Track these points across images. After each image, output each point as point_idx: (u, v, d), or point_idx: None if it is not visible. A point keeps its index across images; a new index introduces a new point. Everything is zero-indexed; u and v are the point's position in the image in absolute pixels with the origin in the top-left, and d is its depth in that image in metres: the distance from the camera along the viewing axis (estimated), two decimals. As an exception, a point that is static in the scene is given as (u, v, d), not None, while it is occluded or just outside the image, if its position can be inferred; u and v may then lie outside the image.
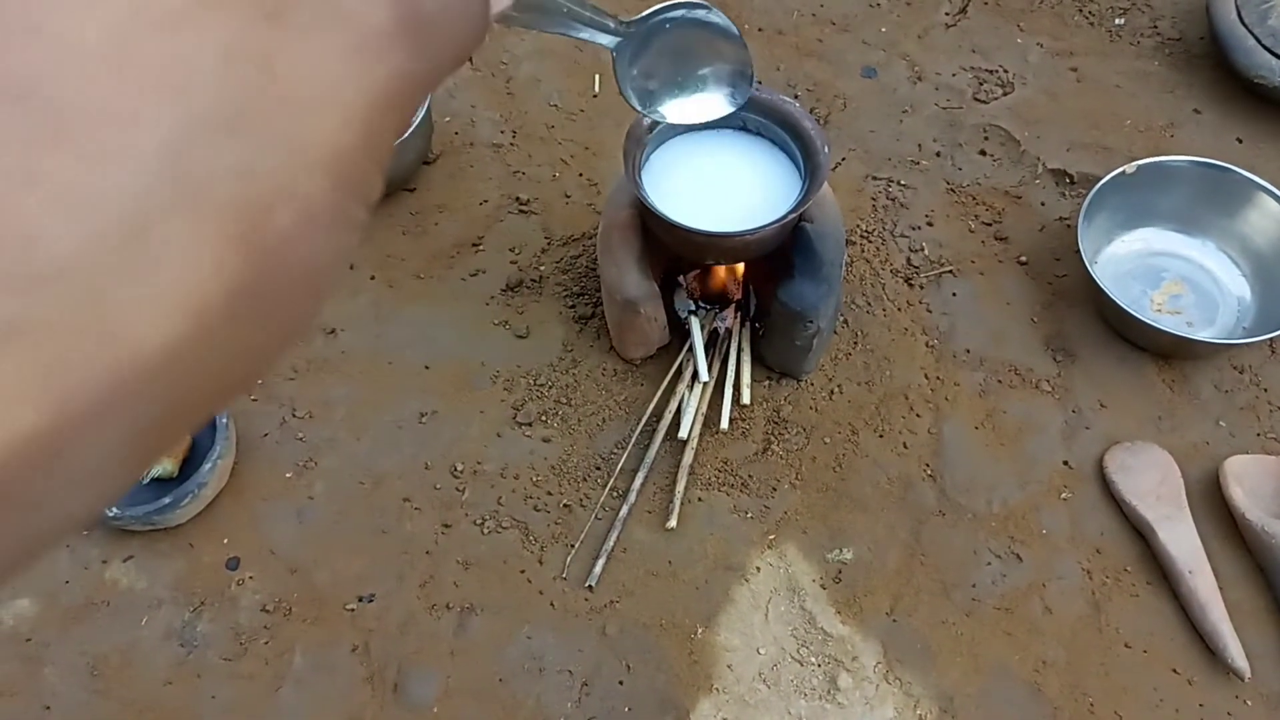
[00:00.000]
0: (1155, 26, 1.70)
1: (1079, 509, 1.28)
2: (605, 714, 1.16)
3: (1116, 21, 1.70)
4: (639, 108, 0.74)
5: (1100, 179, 1.39)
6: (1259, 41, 1.51)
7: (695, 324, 1.32)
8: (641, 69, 0.73)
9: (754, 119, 1.25)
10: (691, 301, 1.37)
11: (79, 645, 1.20)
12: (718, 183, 1.24)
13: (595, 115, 1.61)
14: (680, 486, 1.26)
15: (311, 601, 1.22)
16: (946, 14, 1.72)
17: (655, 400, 1.32)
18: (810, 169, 1.20)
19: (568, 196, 1.52)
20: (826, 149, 1.19)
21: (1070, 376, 1.37)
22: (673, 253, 1.27)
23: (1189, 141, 1.56)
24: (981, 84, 1.63)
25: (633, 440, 1.30)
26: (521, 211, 1.50)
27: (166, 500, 1.21)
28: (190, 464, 1.27)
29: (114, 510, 1.20)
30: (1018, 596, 1.22)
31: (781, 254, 1.24)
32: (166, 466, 1.25)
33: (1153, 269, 1.43)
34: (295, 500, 1.28)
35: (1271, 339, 1.29)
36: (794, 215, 1.16)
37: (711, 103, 0.79)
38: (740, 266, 1.34)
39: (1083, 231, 1.35)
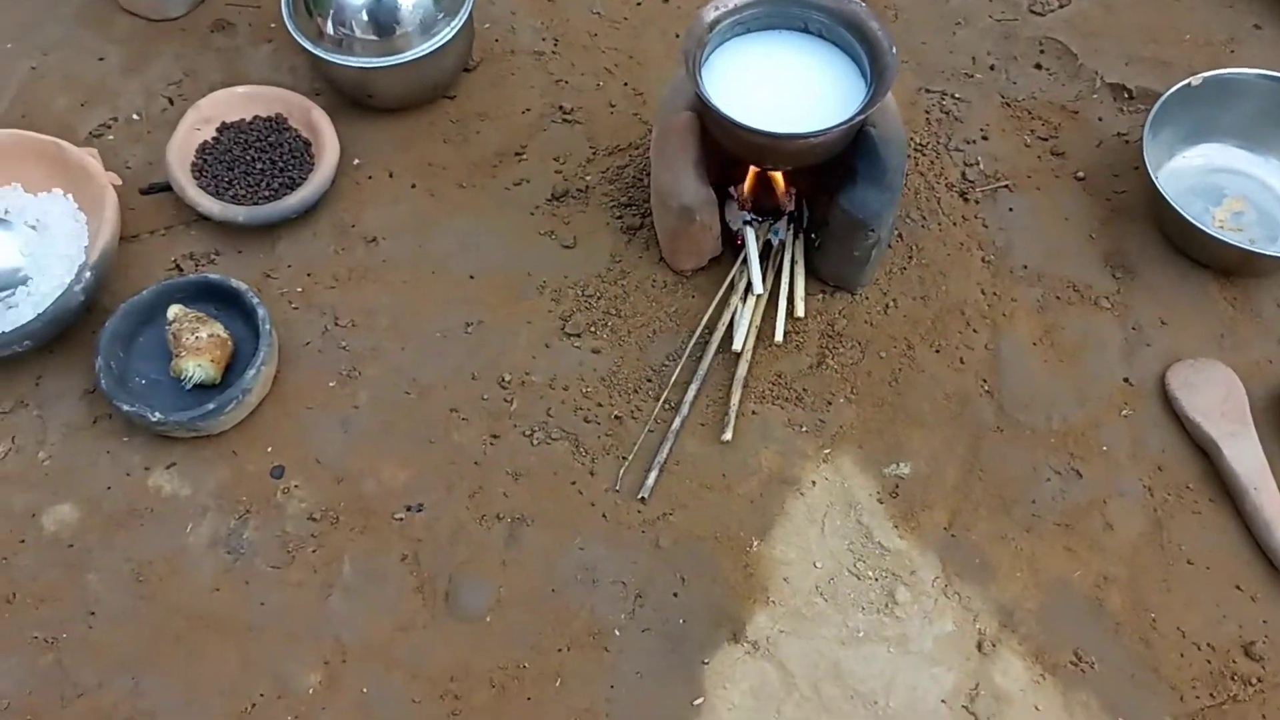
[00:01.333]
0: (1215, -60, 1.65)
1: (1140, 426, 1.25)
2: (659, 625, 1.14)
3: (1175, -66, 1.65)
4: None
5: (1159, 94, 1.36)
6: (1326, -47, 1.47)
7: (750, 234, 1.29)
8: None
9: (816, 20, 1.21)
10: (743, 213, 1.33)
11: (123, 552, 1.17)
12: (780, 84, 1.20)
13: (640, 23, 1.57)
14: (735, 399, 1.23)
15: (359, 511, 1.20)
16: (1000, -76, 1.67)
17: (709, 313, 1.29)
18: (876, 71, 1.16)
19: (612, 106, 1.48)
20: (894, 50, 1.15)
21: (1130, 293, 1.34)
22: (730, 158, 1.23)
23: (1250, 56, 1.52)
24: (1038, -5, 1.59)
25: (685, 353, 1.27)
26: (565, 120, 1.46)
27: (211, 406, 1.18)
28: (233, 371, 1.25)
29: (157, 415, 1.17)
30: (1078, 513, 1.20)
31: (843, 160, 1.20)
32: (210, 372, 1.22)
33: (1214, 186, 1.40)
34: (340, 409, 1.26)
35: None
36: (860, 118, 1.13)
37: None
38: (785, 176, 1.30)
39: (1148, 145, 1.32)
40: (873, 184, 1.19)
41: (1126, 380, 1.28)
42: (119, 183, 1.30)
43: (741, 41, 1.22)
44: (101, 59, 1.53)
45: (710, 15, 1.18)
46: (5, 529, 1.18)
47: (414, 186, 1.41)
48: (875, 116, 1.19)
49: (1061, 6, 1.58)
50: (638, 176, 1.40)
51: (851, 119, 1.12)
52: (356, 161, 1.42)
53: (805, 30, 1.22)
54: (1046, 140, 1.46)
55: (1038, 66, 1.52)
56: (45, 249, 1.29)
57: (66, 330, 1.25)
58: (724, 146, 1.21)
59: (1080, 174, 1.43)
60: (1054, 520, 1.20)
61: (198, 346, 1.21)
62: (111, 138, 1.44)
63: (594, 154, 1.43)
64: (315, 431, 1.24)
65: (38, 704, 1.08)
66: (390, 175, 1.42)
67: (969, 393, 1.27)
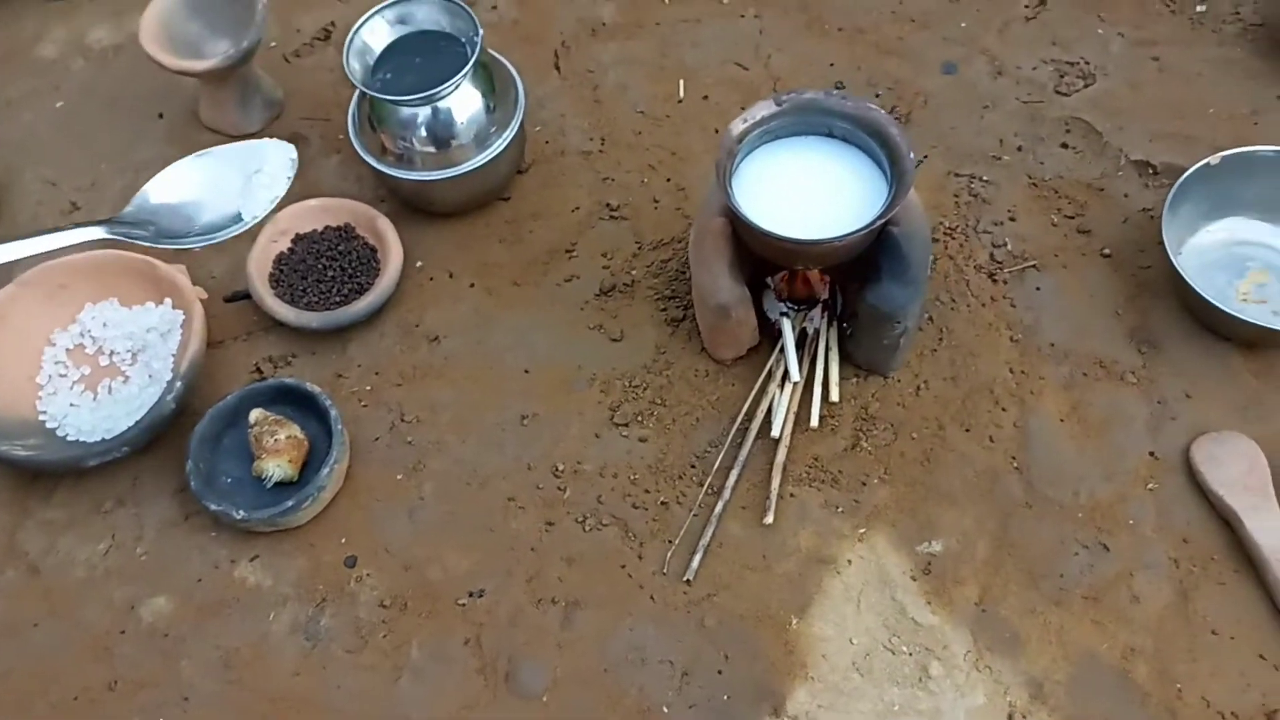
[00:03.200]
0: (1237, 12, 1.69)
1: (1165, 499, 1.30)
2: (705, 702, 1.21)
3: (1198, 8, 1.70)
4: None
5: (1184, 169, 1.41)
6: (1344, 26, 1.51)
7: (787, 325, 1.37)
8: None
9: (840, 126, 1.29)
10: (781, 303, 1.41)
11: (213, 640, 1.28)
12: (806, 189, 1.28)
13: (681, 121, 1.66)
14: (775, 484, 1.31)
15: (425, 596, 1.29)
16: (1026, 6, 1.73)
17: (749, 401, 1.37)
18: (896, 174, 1.24)
19: (656, 201, 1.57)
20: (911, 154, 1.23)
21: (1155, 368, 1.39)
22: (762, 257, 1.31)
23: (1274, 128, 1.56)
24: (1063, 76, 1.65)
25: (727, 439, 1.35)
26: (612, 217, 1.56)
27: (289, 503, 1.29)
28: (309, 468, 1.35)
29: (241, 513, 1.28)
30: (1105, 585, 1.25)
31: (869, 257, 1.28)
32: (288, 471, 1.33)
33: (1238, 258, 1.44)
34: (407, 501, 1.36)
35: (1359, 326, 1.30)
36: (880, 221, 1.20)
37: None
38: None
39: (1167, 223, 1.37)
40: (896, 280, 1.26)
41: (1152, 454, 1.33)
42: (205, 296, 1.42)
43: (770, 149, 1.30)
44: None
45: (739, 128, 1.27)
46: (107, 621, 1.30)
47: (472, 286, 1.51)
48: (899, 214, 1.26)
49: (1087, 86, 1.63)
50: (680, 270, 1.49)
51: (871, 224, 1.19)
52: (419, 264, 1.53)
53: (830, 135, 1.30)
54: (1073, 219, 1.51)
55: (1064, 146, 1.58)
56: (144, 357, 1.42)
57: (160, 434, 1.37)
58: (755, 249, 1.29)
59: (1106, 251, 1.48)
60: (1081, 593, 1.25)
61: (277, 448, 1.32)
62: (198, 250, 1.56)
63: (639, 249, 1.53)
64: (384, 522, 1.35)
65: (140, 784, 1.19)
66: (450, 276, 1.53)
67: (999, 470, 1.33)
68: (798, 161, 1.30)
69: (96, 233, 0.55)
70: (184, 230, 0.72)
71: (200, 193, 0.80)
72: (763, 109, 1.28)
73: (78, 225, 0.49)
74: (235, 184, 0.91)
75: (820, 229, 1.22)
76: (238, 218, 0.82)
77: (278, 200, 0.75)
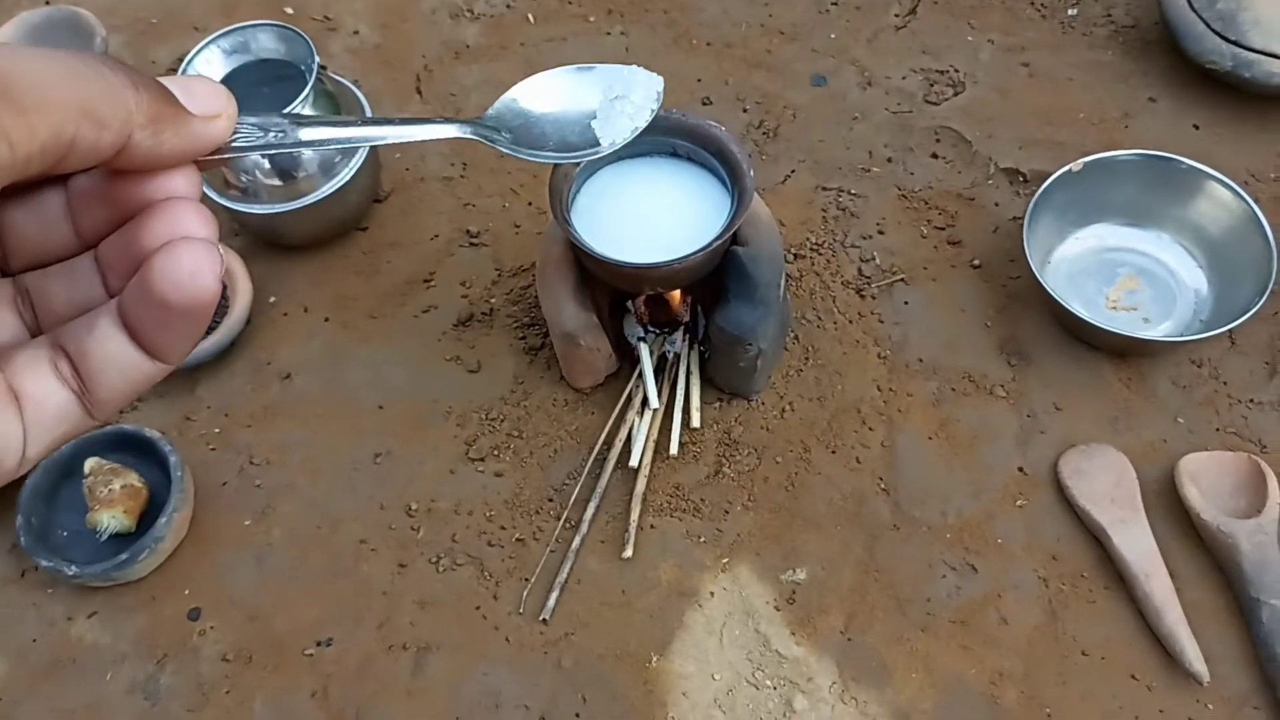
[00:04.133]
0: (1109, 15, 1.67)
1: (1034, 516, 1.27)
2: (562, 747, 1.16)
3: (1069, 12, 1.68)
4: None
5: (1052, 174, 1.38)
6: (1209, 26, 1.49)
7: (644, 350, 1.33)
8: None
9: (683, 145, 1.25)
10: (640, 327, 1.37)
11: (47, 702, 1.22)
12: (649, 211, 1.24)
13: (545, 142, 1.61)
14: (634, 515, 1.26)
15: (271, 648, 1.23)
16: (896, 15, 1.70)
17: (607, 429, 1.32)
18: (737, 191, 1.20)
19: (517, 226, 1.52)
20: (751, 172, 1.19)
21: (1025, 380, 1.35)
22: (609, 284, 1.27)
23: (1145, 131, 1.54)
24: (932, 85, 1.62)
25: (585, 470, 1.31)
26: (472, 244, 1.51)
27: (124, 556, 1.23)
28: (149, 518, 1.29)
29: (74, 569, 1.22)
30: (973, 608, 1.21)
31: (716, 277, 1.24)
32: (124, 522, 1.26)
33: (1107, 264, 1.42)
34: (254, 547, 1.30)
35: (1230, 329, 1.27)
36: (721, 241, 1.16)
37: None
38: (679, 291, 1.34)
39: (1029, 234, 1.34)
40: (744, 300, 1.22)
41: (1021, 469, 1.30)
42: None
43: (610, 171, 1.25)
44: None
45: (575, 151, 1.22)
46: (-65, 687, 1.24)
47: (327, 320, 1.46)
48: (746, 233, 1.22)
49: (956, 94, 1.61)
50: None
51: (709, 245, 1.15)
52: (272, 299, 1.48)
53: (675, 155, 1.26)
54: (943, 229, 1.48)
55: (934, 156, 1.55)
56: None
57: (-9, 488, 1.31)
58: (597, 275, 1.25)
59: (976, 262, 1.45)
60: (949, 617, 1.21)
61: (110, 498, 1.26)
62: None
63: (499, 275, 1.48)
64: (230, 571, 1.29)
65: None
66: (305, 310, 1.47)
67: (865, 492, 1.29)
68: (639, 182, 1.25)
69: (456, 131, 0.52)
70: (539, 143, 0.68)
71: (561, 106, 0.75)
72: (600, 127, 1.24)
73: (441, 120, 0.45)
74: (594, 105, 0.86)
75: (666, 251, 1.17)
76: (595, 142, 0.77)
77: (638, 132, 0.70)
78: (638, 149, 1.26)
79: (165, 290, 0.34)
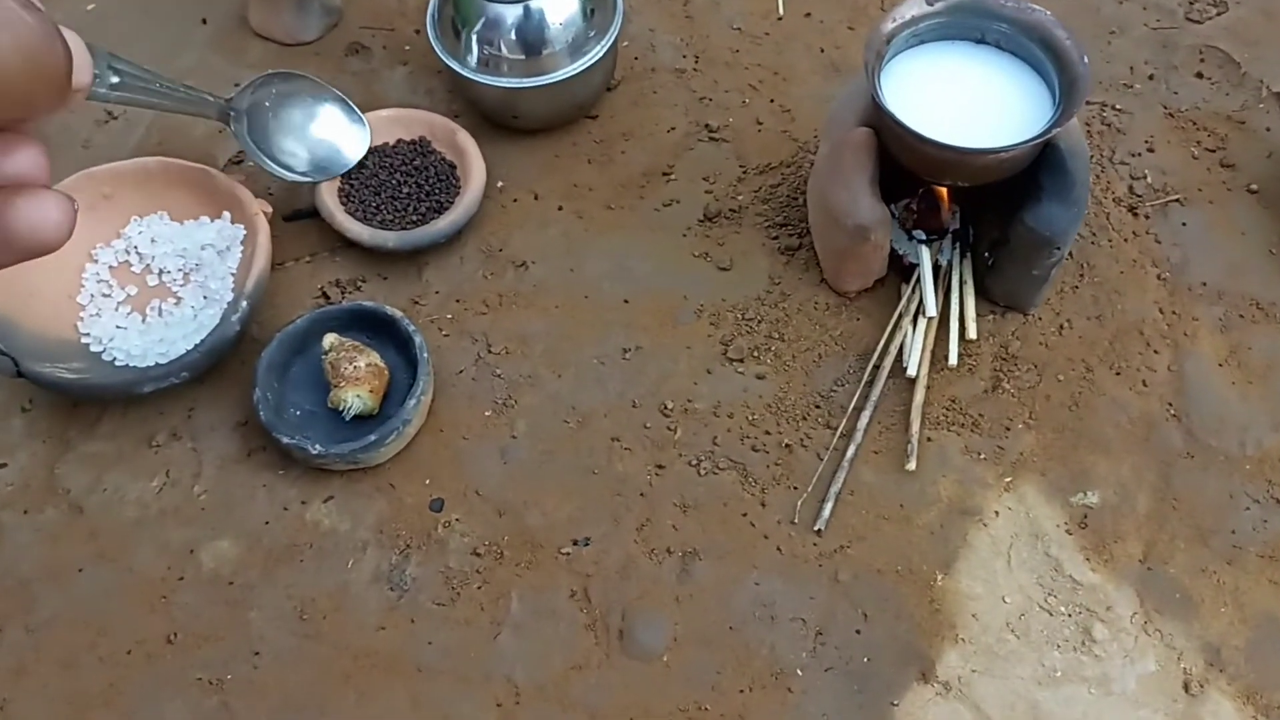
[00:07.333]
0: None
1: (1341, 451, 1.18)
2: (843, 665, 1.08)
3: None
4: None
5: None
6: None
7: (925, 254, 1.24)
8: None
9: (996, 30, 1.16)
10: (905, 233, 1.28)
11: (285, 589, 1.14)
12: (957, 98, 1.16)
13: (782, 39, 1.52)
14: (915, 427, 1.18)
15: (523, 545, 1.15)
16: (1148, -71, 1.61)
17: (886, 335, 1.23)
18: (1067, 81, 1.11)
19: (760, 124, 1.43)
20: (1085, 59, 1.10)
21: (1318, 311, 1.27)
22: (906, 175, 1.18)
23: None
24: (1193, 3, 1.52)
25: (855, 378, 1.22)
26: (712, 139, 1.42)
27: (371, 438, 1.14)
28: (389, 402, 1.21)
29: (317, 448, 1.14)
30: (1282, 543, 1.14)
31: (1027, 175, 1.15)
32: (368, 403, 1.18)
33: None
34: (498, 439, 1.22)
35: None
36: (1053, 131, 1.08)
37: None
38: (949, 194, 1.25)
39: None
40: (1059, 200, 1.13)
41: (1322, 403, 1.21)
42: (269, 210, 1.27)
43: (918, 54, 1.17)
44: (237, 85, 1.51)
45: (888, 26, 1.13)
46: (163, 566, 1.15)
47: (561, 209, 1.37)
48: (1060, 129, 1.14)
49: (1220, 14, 1.51)
50: (792, 195, 1.36)
51: (1044, 132, 1.06)
52: (500, 184, 1.39)
53: (982, 41, 1.17)
54: (1214, 152, 1.39)
55: (1199, 75, 1.46)
56: (198, 276, 1.27)
57: (220, 360, 1.22)
58: (901, 163, 1.16)
59: (1253, 186, 1.36)
60: (1257, 551, 1.13)
61: (356, 376, 1.18)
62: (250, 164, 1.41)
63: (744, 173, 1.39)
64: (473, 463, 1.20)
65: (209, 748, 1.05)
66: (536, 198, 1.38)
67: (1155, 417, 1.21)
68: (949, 69, 1.17)
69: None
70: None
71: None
72: (912, 8, 1.15)
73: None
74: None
75: (972, 140, 1.09)
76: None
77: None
78: (944, 33, 1.18)
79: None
